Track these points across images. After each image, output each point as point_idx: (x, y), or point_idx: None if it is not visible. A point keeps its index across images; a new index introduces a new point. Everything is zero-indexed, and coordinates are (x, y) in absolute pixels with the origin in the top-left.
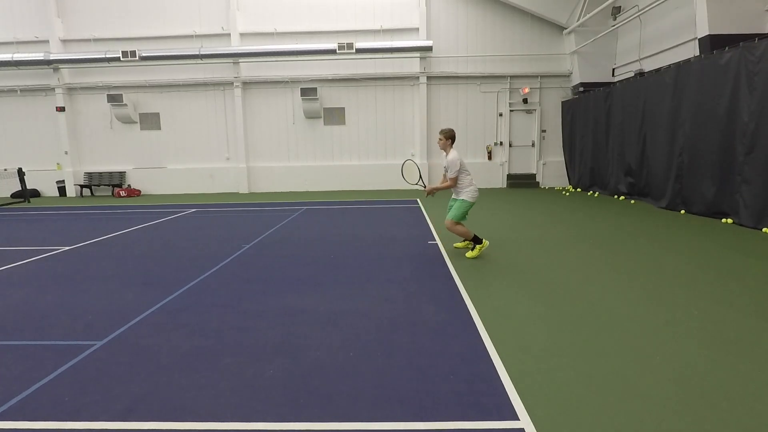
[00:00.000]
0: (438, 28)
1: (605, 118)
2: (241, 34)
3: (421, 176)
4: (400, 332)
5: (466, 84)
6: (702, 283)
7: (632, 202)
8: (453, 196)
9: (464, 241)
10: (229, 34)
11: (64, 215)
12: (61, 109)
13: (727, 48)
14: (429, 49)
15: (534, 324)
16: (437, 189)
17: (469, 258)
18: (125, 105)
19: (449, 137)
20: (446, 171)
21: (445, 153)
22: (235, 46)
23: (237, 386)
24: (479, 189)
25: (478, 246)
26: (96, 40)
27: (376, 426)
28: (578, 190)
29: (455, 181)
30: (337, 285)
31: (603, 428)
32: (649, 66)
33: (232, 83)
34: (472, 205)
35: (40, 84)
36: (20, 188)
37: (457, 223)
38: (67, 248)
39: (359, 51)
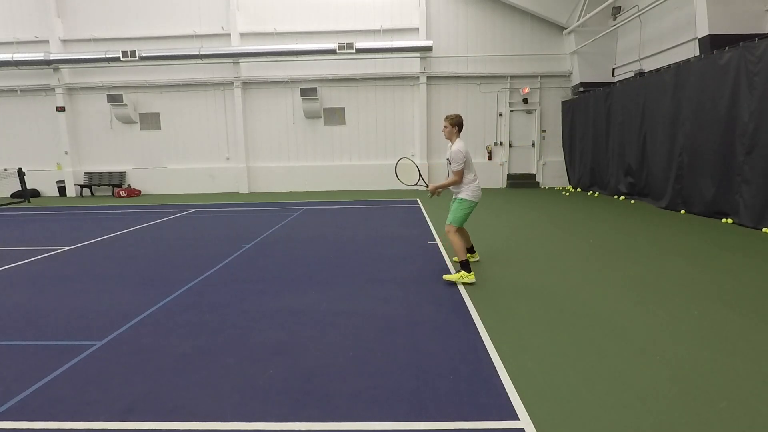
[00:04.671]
0: (438, 28)
1: (605, 118)
2: (241, 34)
3: (420, 174)
4: (400, 332)
5: (466, 84)
6: (702, 283)
7: (632, 202)
8: (453, 196)
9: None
10: (229, 34)
11: (64, 215)
12: (61, 109)
13: (727, 48)
14: (429, 49)
15: (534, 324)
16: (442, 187)
17: (445, 279)
18: (125, 105)
19: (455, 124)
20: (449, 164)
21: (450, 143)
22: (235, 46)
23: (237, 386)
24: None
25: (463, 273)
26: (96, 40)
27: (376, 426)
28: (578, 190)
29: (460, 176)
30: (337, 285)
31: (603, 428)
32: (649, 66)
33: (232, 83)
34: (473, 205)
35: (40, 84)
36: (20, 188)
37: (458, 228)
38: (67, 248)
39: (359, 51)
